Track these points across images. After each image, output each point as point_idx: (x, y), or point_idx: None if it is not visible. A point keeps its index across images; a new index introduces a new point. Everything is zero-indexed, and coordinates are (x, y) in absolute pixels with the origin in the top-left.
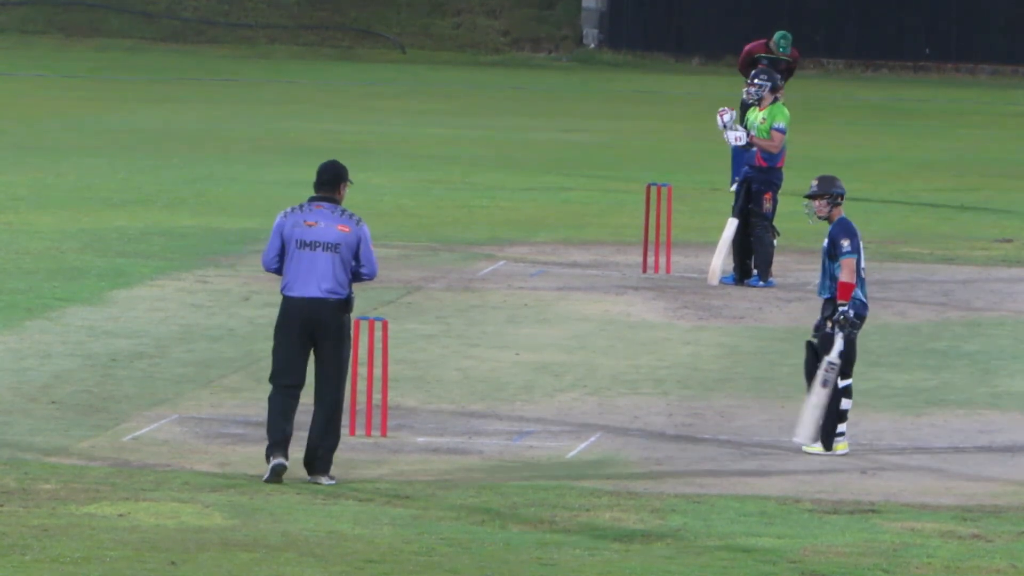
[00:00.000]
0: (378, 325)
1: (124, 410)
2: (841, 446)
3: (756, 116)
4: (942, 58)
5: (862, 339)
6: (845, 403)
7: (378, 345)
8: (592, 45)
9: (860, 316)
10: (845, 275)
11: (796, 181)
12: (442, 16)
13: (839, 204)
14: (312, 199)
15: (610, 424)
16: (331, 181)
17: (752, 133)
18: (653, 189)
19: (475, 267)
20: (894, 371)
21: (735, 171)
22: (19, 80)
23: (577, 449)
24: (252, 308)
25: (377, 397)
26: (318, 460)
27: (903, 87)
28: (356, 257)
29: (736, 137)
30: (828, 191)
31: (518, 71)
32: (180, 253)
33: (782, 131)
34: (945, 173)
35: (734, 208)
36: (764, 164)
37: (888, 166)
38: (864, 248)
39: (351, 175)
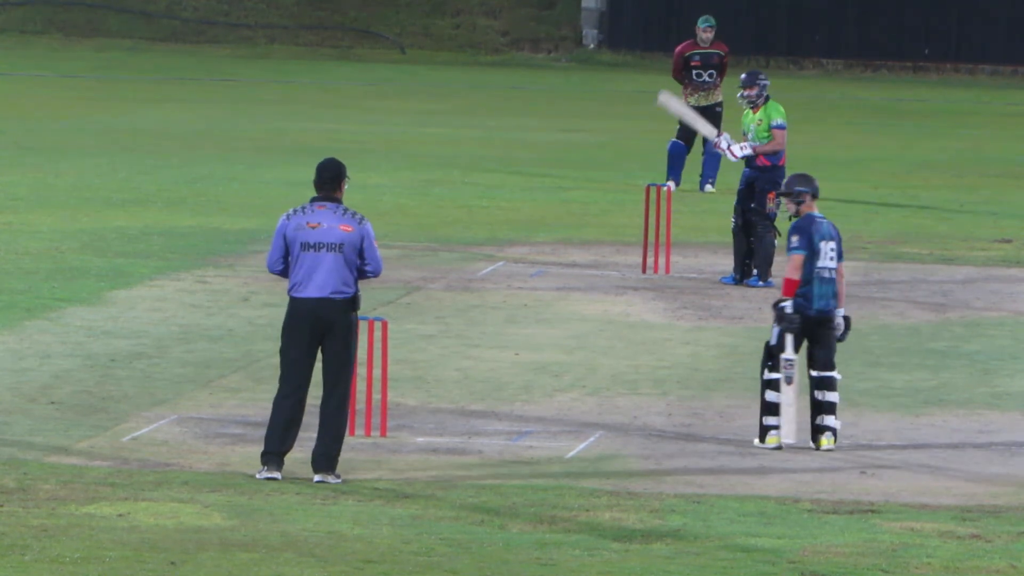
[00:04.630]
0: (378, 325)
1: (124, 410)
2: (772, 440)
3: (752, 119)
4: (941, 58)
5: (861, 339)
6: (771, 396)
7: (378, 345)
8: (592, 45)
9: (803, 314)
10: (787, 270)
11: None
12: (442, 16)
13: (803, 202)
14: (314, 199)
15: (610, 424)
16: (332, 180)
17: (754, 144)
18: (653, 189)
19: (475, 267)
20: (894, 371)
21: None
22: (19, 80)
23: (577, 449)
24: (251, 308)
25: (377, 397)
26: (326, 459)
27: (902, 87)
28: (360, 255)
29: (740, 148)
30: (791, 190)
31: (518, 71)
32: (180, 253)
33: (782, 127)
34: (944, 173)
35: (736, 207)
36: (768, 163)
37: (887, 166)
38: (836, 247)
39: (350, 175)
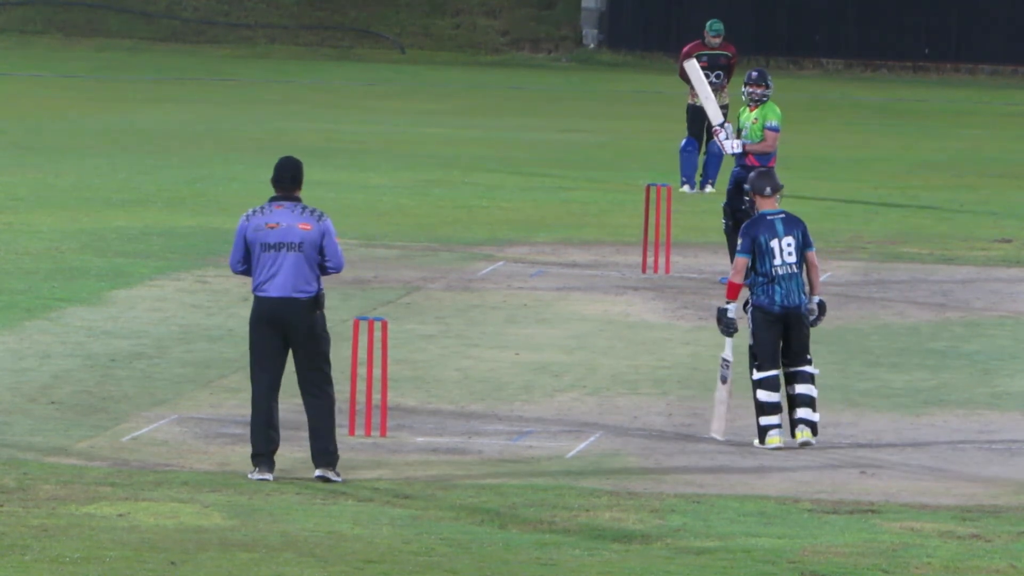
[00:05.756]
0: (377, 325)
1: (123, 410)
2: (773, 440)
3: (748, 116)
4: (941, 58)
5: (861, 339)
6: (762, 395)
7: (377, 345)
8: (592, 45)
9: (761, 310)
10: (731, 273)
11: (794, 181)
12: (442, 16)
13: (752, 201)
14: (272, 199)
15: (610, 424)
16: (292, 179)
17: (745, 141)
18: (653, 189)
19: (474, 267)
20: (894, 371)
21: (710, 172)
22: (19, 80)
23: (577, 449)
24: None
25: (377, 397)
26: (325, 455)
27: (902, 87)
28: (321, 252)
29: (732, 145)
30: (748, 189)
31: (518, 71)
32: (179, 253)
33: (776, 130)
34: (944, 173)
35: (725, 208)
36: (757, 164)
37: (887, 166)
38: (795, 242)
39: (350, 175)
